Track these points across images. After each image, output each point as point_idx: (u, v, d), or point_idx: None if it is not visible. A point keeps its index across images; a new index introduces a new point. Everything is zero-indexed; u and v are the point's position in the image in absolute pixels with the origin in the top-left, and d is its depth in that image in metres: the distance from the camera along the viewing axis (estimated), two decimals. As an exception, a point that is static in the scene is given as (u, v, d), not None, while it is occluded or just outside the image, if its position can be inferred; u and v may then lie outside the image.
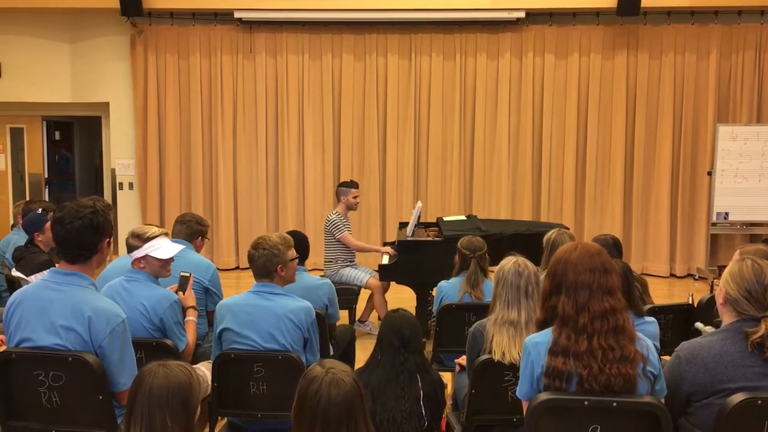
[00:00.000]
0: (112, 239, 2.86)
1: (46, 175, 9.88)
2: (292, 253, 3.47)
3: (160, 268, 3.49)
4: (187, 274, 3.73)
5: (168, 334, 3.36)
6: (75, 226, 2.68)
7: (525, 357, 2.36)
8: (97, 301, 2.73)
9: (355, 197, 6.27)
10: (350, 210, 6.32)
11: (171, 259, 3.53)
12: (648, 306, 3.81)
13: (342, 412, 1.88)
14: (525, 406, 2.36)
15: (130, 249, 3.49)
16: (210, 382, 3.33)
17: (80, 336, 2.66)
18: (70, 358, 2.64)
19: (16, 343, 2.74)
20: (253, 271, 3.39)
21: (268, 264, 3.31)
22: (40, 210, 4.97)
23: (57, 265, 2.82)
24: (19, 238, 5.09)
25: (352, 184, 6.36)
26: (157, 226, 3.64)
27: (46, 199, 8.66)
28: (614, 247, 4.25)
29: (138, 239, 3.46)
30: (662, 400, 2.31)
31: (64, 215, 2.71)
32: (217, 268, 4.33)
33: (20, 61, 9.00)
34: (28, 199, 7.73)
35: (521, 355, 2.41)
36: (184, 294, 3.66)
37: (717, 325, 2.50)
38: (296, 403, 1.95)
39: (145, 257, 3.45)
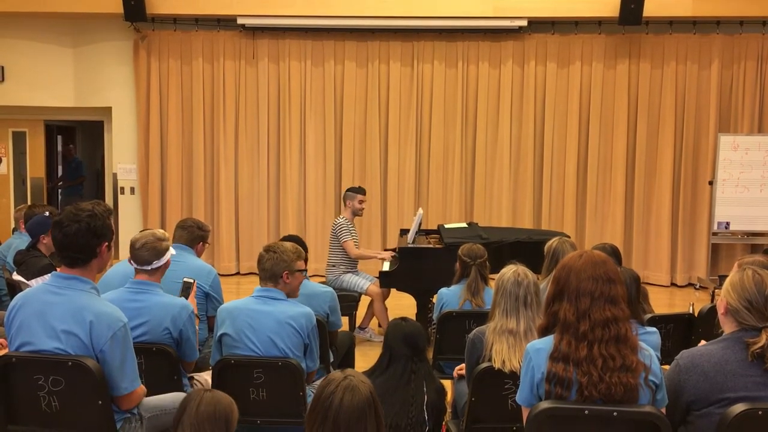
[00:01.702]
0: (112, 243, 2.85)
1: (48, 180, 9.89)
2: (301, 264, 3.47)
3: (164, 272, 3.42)
4: (191, 281, 3.67)
5: (184, 345, 3.27)
6: (72, 229, 2.68)
7: (526, 363, 2.37)
8: (98, 305, 2.73)
9: (360, 202, 6.29)
10: (356, 216, 6.34)
11: None
12: (648, 315, 3.80)
13: (352, 418, 1.89)
14: (524, 412, 2.36)
15: (161, 253, 3.29)
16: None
17: (81, 340, 2.66)
18: (69, 363, 2.63)
19: (16, 347, 2.74)
20: (259, 273, 3.39)
21: (275, 267, 3.31)
22: (46, 213, 4.97)
23: (58, 269, 2.82)
24: (21, 242, 5.09)
25: (360, 190, 6.38)
26: (148, 229, 3.58)
27: (53, 204, 8.65)
28: (613, 255, 4.23)
29: (165, 241, 3.33)
30: (663, 410, 2.31)
31: (62, 219, 2.71)
32: (218, 274, 4.33)
33: (23, 65, 9.02)
34: (29, 203, 7.74)
35: (522, 362, 2.41)
36: (186, 300, 3.64)
37: (718, 335, 2.48)
38: (311, 402, 1.97)
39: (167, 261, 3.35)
